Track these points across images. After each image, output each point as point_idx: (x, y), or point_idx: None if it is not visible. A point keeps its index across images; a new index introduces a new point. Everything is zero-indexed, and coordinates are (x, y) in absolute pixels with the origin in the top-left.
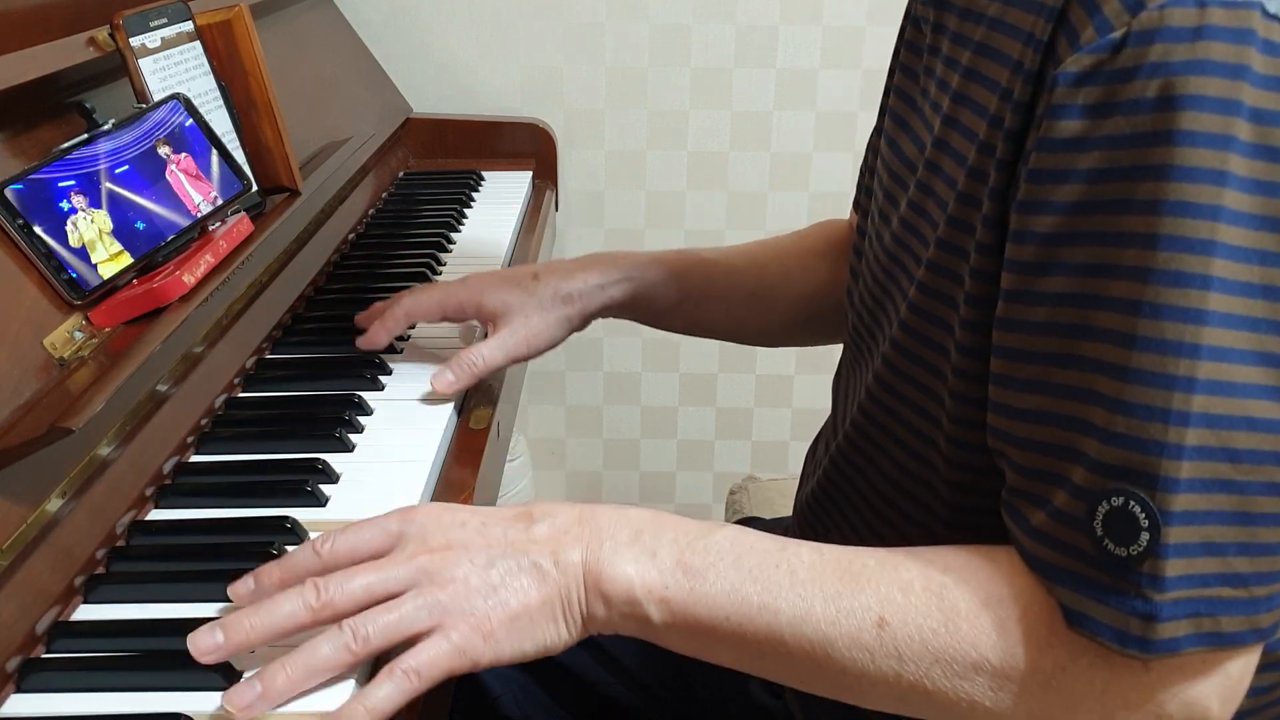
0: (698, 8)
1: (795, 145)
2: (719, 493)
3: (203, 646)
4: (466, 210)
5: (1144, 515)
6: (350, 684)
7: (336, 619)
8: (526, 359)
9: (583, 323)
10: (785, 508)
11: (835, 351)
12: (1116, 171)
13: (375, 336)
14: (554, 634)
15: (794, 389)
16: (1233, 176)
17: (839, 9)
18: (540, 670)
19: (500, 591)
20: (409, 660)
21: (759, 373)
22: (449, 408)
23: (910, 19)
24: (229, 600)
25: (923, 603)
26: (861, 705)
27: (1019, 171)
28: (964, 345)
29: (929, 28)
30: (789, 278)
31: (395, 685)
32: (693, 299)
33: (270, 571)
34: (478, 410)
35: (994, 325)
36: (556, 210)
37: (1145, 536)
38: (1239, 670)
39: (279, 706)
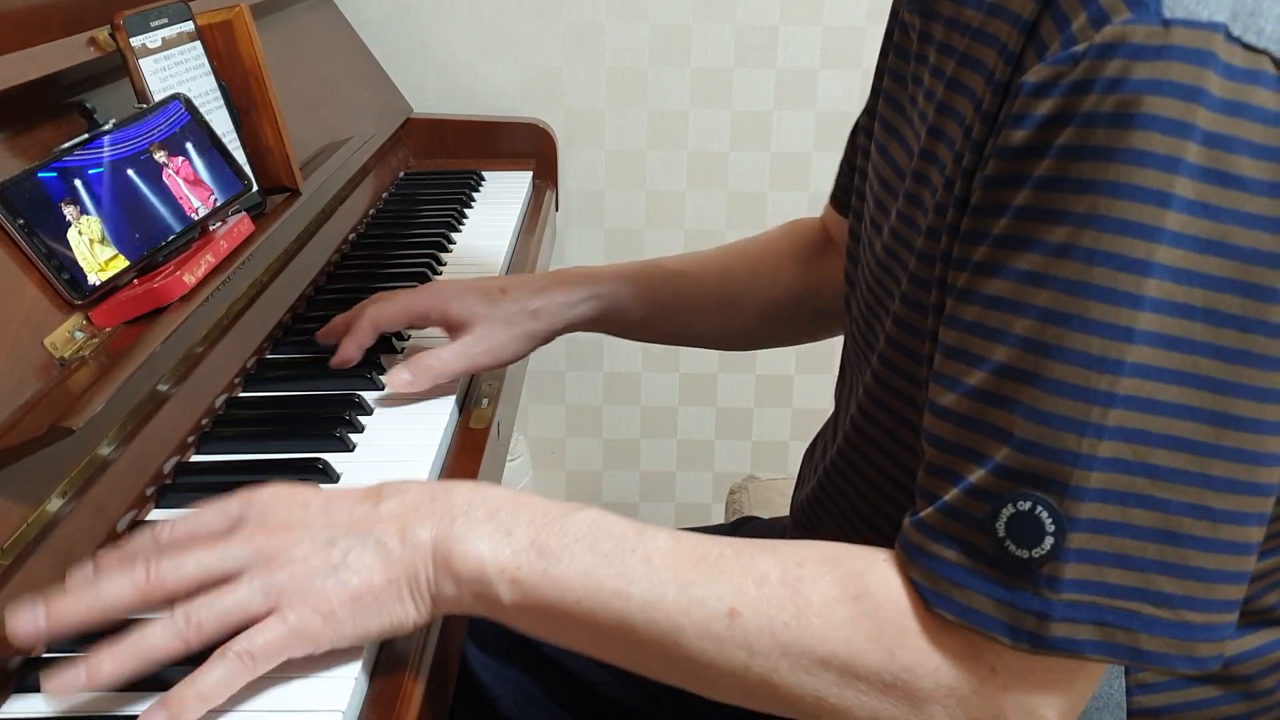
0: (698, 8)
1: (795, 145)
2: (719, 493)
3: (20, 627)
4: (466, 210)
5: (1050, 520)
6: (355, 672)
7: (168, 600)
8: (487, 369)
9: (548, 339)
10: (785, 508)
11: (835, 352)
12: (1065, 182)
13: (347, 353)
14: (400, 613)
15: (794, 389)
16: (1178, 199)
17: (839, 9)
18: (539, 670)
19: (341, 571)
20: (243, 643)
21: (759, 373)
22: (449, 407)
23: (898, 23)
24: None
25: (776, 594)
26: (710, 697)
27: (977, 180)
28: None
29: (915, 34)
30: (756, 282)
31: (228, 668)
32: (661, 311)
33: (108, 556)
34: (478, 410)
35: (940, 322)
36: (557, 210)
37: (1049, 541)
38: (1083, 686)
39: (105, 691)
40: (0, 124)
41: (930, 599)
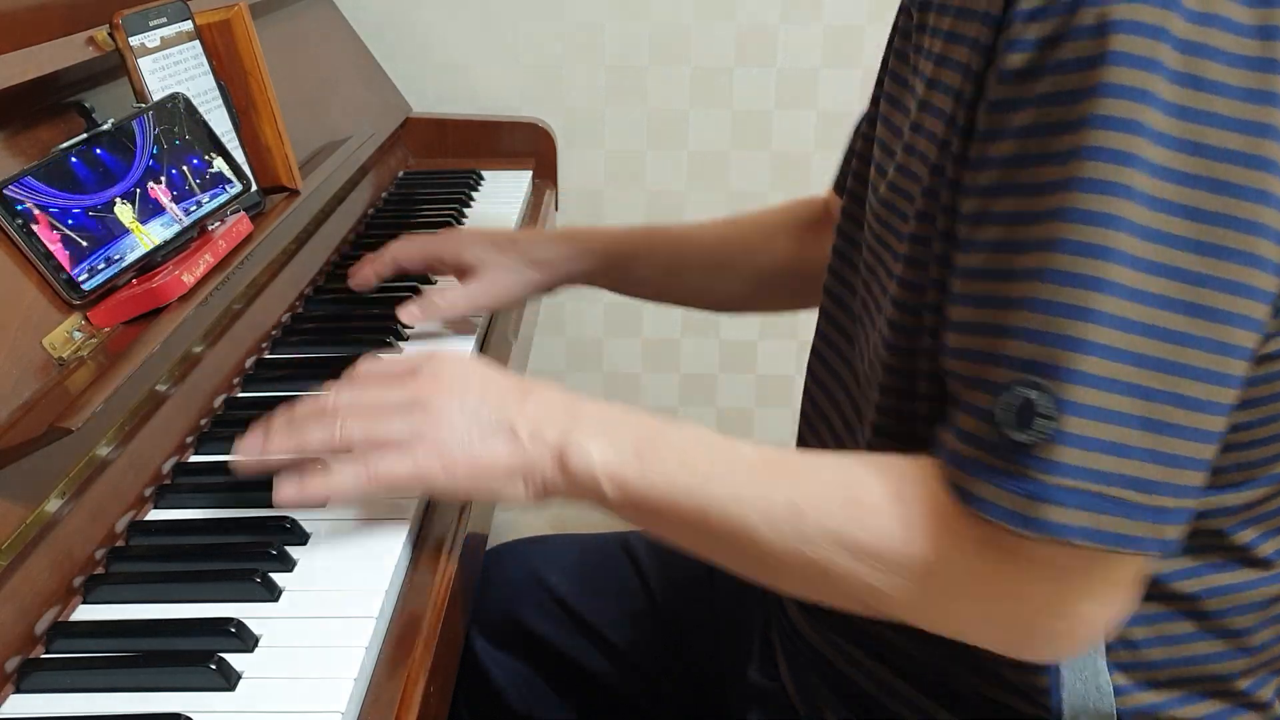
0: (698, 8)
1: (795, 145)
2: None
3: (247, 446)
4: (466, 210)
5: (1047, 403)
6: (355, 673)
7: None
8: (489, 310)
9: (548, 288)
10: None
11: None
12: (1063, 95)
13: (364, 276)
14: (510, 492)
15: (794, 389)
16: (1156, 98)
17: (839, 9)
18: (542, 662)
19: (475, 443)
20: (374, 461)
21: (759, 373)
22: None
23: (902, 8)
24: (229, 600)
25: (835, 493)
26: (776, 585)
27: (980, 107)
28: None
29: (916, 9)
30: (750, 249)
31: (354, 474)
32: (662, 271)
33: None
34: None
35: (958, 250)
36: (556, 210)
37: (1044, 423)
38: (1127, 578)
39: (271, 456)
40: (0, 124)
41: (954, 494)
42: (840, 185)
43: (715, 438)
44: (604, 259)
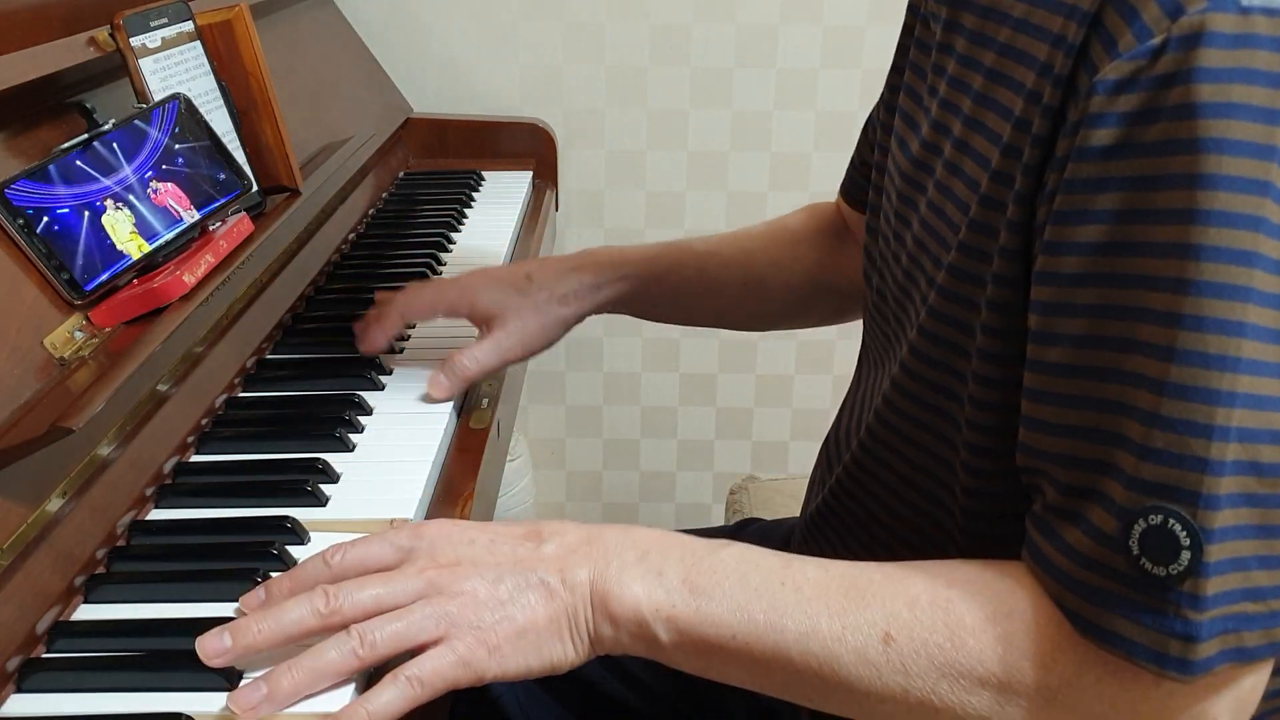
0: (698, 8)
1: (795, 145)
2: (719, 493)
3: (210, 650)
4: (466, 210)
5: (1185, 534)
6: (350, 690)
7: (344, 626)
8: (521, 360)
9: (577, 322)
10: (785, 508)
11: (835, 351)
12: (1157, 180)
13: (374, 341)
14: (560, 652)
15: (794, 389)
16: (1275, 188)
17: (839, 9)
18: None
19: (508, 607)
20: (414, 668)
21: (759, 373)
22: (449, 407)
23: (918, 16)
24: (229, 599)
25: (929, 617)
26: (862, 719)
27: (1047, 180)
28: (985, 354)
29: (939, 25)
30: (779, 265)
31: (399, 691)
32: (687, 293)
33: (280, 582)
34: (478, 410)
35: (1029, 339)
36: (556, 210)
37: (1186, 555)
38: (1250, 684)
39: (284, 709)
40: (0, 124)
41: (1078, 625)
42: (853, 197)
43: (772, 558)
44: (631, 283)
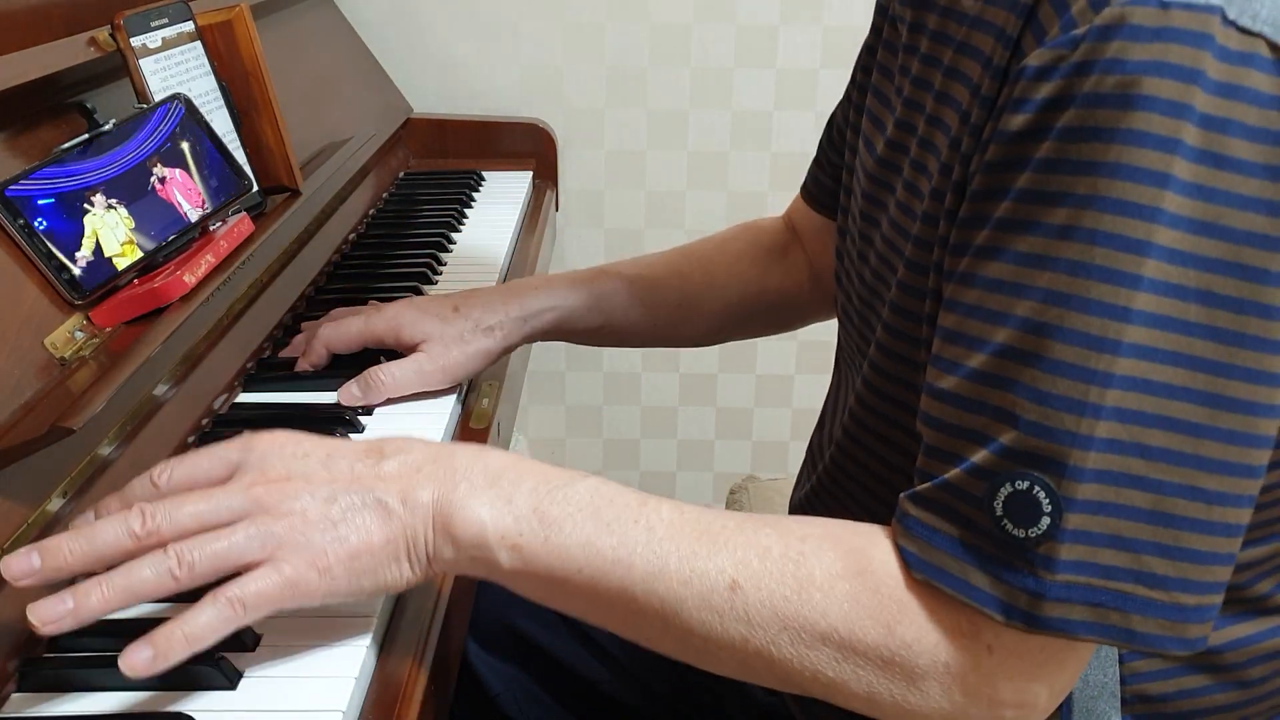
0: (698, 8)
1: (795, 145)
2: (719, 493)
3: (16, 570)
4: (467, 210)
5: (1047, 501)
6: (355, 672)
7: (162, 546)
8: (440, 387)
9: (503, 353)
10: (785, 508)
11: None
12: (1065, 164)
13: (304, 370)
14: (396, 573)
15: (794, 389)
16: (1175, 180)
17: (839, 9)
18: (539, 668)
19: (340, 527)
20: (235, 589)
21: (759, 373)
22: (450, 407)
23: (887, 18)
24: None
25: (778, 569)
26: (706, 668)
27: (975, 164)
28: None
29: (905, 27)
30: (714, 284)
31: (218, 613)
32: (618, 318)
33: (108, 502)
34: (478, 409)
35: (941, 306)
36: (557, 210)
37: (1045, 521)
38: (1073, 669)
39: (85, 624)
40: (0, 124)
41: (925, 571)
42: (816, 198)
43: (629, 495)
44: (560, 314)
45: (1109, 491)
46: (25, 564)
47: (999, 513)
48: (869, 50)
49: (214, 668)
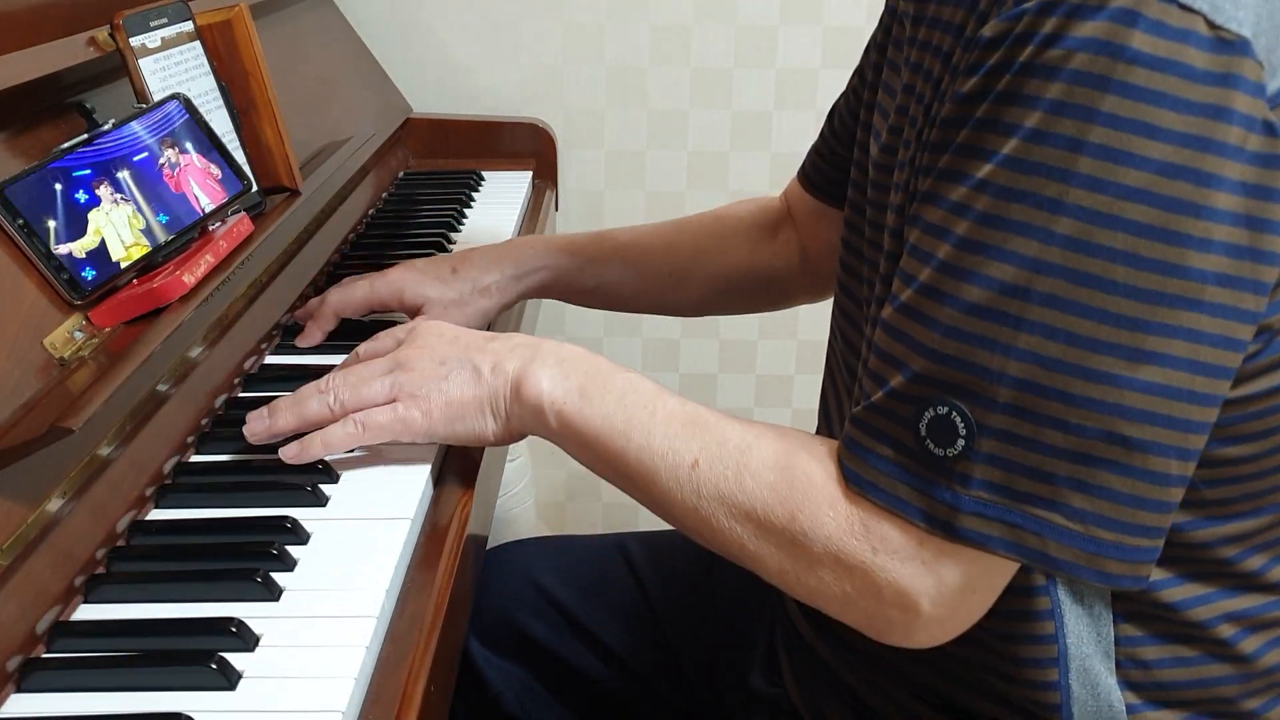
0: (698, 8)
1: (795, 145)
2: None
3: (254, 427)
4: (466, 210)
5: (963, 425)
6: (355, 671)
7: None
8: None
9: (499, 313)
10: None
11: None
12: (995, 124)
13: (310, 336)
14: (482, 425)
15: (794, 389)
16: (1090, 145)
17: (839, 9)
18: (539, 665)
19: (444, 383)
20: (362, 415)
21: (759, 373)
22: None
23: (894, 15)
24: (229, 599)
25: (728, 455)
26: (672, 526)
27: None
28: None
29: (909, 20)
30: (704, 256)
31: (346, 430)
32: (610, 281)
33: (350, 363)
34: None
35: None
36: (556, 210)
37: (961, 443)
38: (957, 582)
39: (278, 437)
40: (0, 124)
41: (859, 485)
42: (813, 183)
43: (651, 386)
44: (552, 272)
45: (1026, 427)
46: (261, 424)
47: (923, 433)
48: (879, 49)
49: (214, 668)
